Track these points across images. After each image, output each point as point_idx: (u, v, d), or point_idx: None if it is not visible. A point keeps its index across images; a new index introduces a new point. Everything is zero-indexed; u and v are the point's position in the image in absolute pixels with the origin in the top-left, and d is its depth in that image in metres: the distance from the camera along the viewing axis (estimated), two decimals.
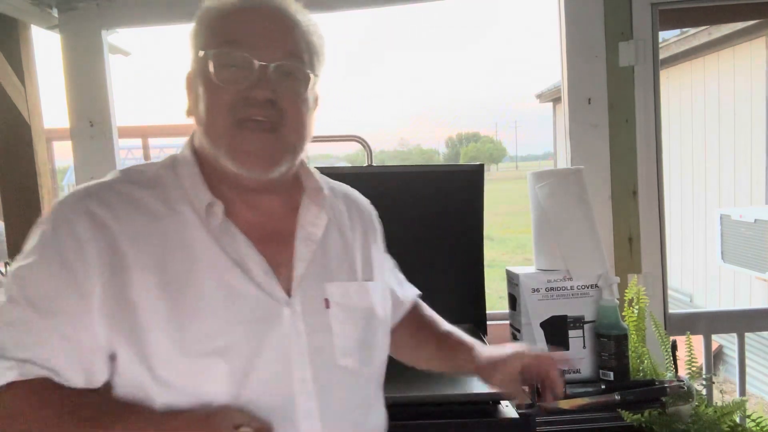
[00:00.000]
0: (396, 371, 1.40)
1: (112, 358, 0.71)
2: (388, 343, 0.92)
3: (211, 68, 0.74)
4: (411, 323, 1.08)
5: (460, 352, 0.99)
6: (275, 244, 0.81)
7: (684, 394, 1.24)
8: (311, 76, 0.79)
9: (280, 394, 0.74)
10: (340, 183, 0.99)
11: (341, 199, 0.94)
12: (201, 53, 0.76)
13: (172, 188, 0.78)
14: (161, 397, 0.70)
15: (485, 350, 0.96)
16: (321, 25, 0.84)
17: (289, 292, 0.78)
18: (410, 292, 1.11)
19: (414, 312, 1.11)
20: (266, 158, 0.76)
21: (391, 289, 1.01)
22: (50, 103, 1.96)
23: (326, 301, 0.81)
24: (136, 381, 0.70)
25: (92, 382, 0.71)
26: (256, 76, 0.74)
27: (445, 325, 1.07)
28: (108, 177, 0.80)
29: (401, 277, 1.12)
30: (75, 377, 0.69)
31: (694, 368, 1.30)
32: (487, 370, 0.93)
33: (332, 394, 0.78)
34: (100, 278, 0.70)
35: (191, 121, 0.81)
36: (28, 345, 0.68)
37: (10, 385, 0.67)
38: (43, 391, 0.68)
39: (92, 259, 0.70)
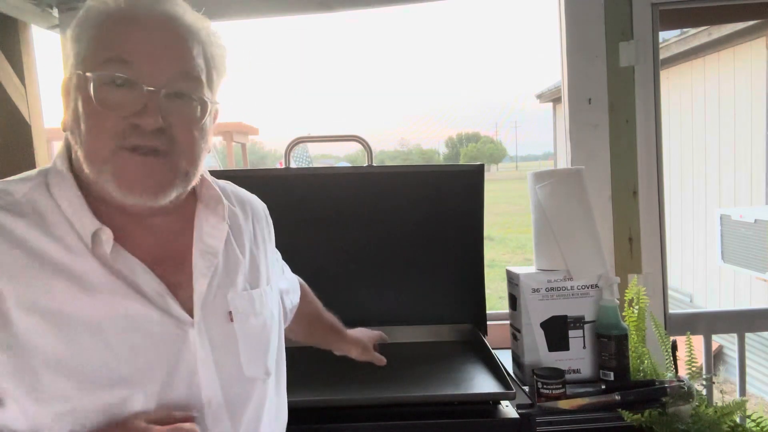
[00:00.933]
0: (396, 372, 1.40)
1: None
2: (284, 342, 0.93)
3: (92, 90, 0.66)
4: (306, 313, 1.18)
5: (335, 334, 1.24)
6: (173, 264, 0.76)
7: (684, 394, 1.24)
8: (208, 100, 0.72)
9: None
10: (228, 183, 0.93)
11: (235, 202, 0.89)
12: (80, 72, 0.68)
13: (49, 213, 0.69)
14: None
15: (348, 332, 1.27)
16: (221, 34, 0.77)
17: (191, 312, 0.74)
18: (296, 295, 1.12)
19: (305, 300, 1.17)
20: (153, 185, 0.69)
21: (284, 292, 1.03)
22: (50, 103, 1.96)
23: (230, 314, 0.78)
24: (32, 422, 0.65)
25: None
26: (144, 102, 0.67)
27: (327, 312, 1.24)
28: None
29: (285, 266, 1.12)
30: None
31: (694, 368, 1.30)
32: (353, 345, 1.25)
33: (243, 407, 0.77)
34: None
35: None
36: None
37: None
38: None
39: None
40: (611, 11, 1.67)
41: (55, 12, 1.75)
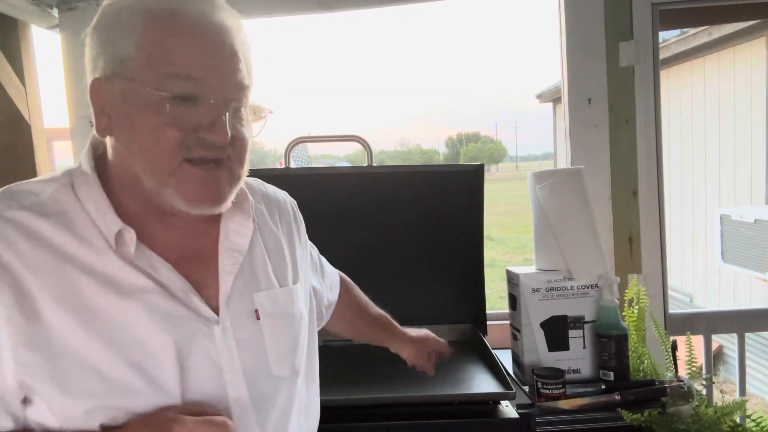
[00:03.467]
0: (396, 372, 1.40)
1: (26, 401, 0.66)
2: (316, 340, 0.93)
3: (155, 103, 0.66)
4: (347, 309, 1.15)
5: (384, 332, 1.19)
6: (198, 262, 0.76)
7: (684, 394, 1.24)
8: (250, 101, 0.74)
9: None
10: (255, 179, 0.93)
11: (261, 200, 0.89)
12: (148, 88, 0.67)
13: (74, 214, 0.70)
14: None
15: (403, 330, 1.20)
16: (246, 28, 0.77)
17: (217, 310, 0.74)
18: (334, 292, 1.11)
19: (346, 296, 1.14)
20: (216, 196, 0.72)
21: (318, 290, 1.02)
22: (50, 103, 1.96)
23: (256, 312, 0.78)
24: (63, 418, 0.66)
25: (21, 424, 0.67)
26: (213, 118, 0.68)
27: (375, 308, 1.20)
28: None
29: (324, 263, 1.10)
30: (3, 422, 0.66)
31: (694, 368, 1.30)
32: (405, 345, 1.19)
33: (270, 406, 0.77)
34: (8, 326, 0.64)
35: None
36: None
37: None
38: None
39: None
40: (611, 11, 1.67)
41: (55, 12, 1.75)
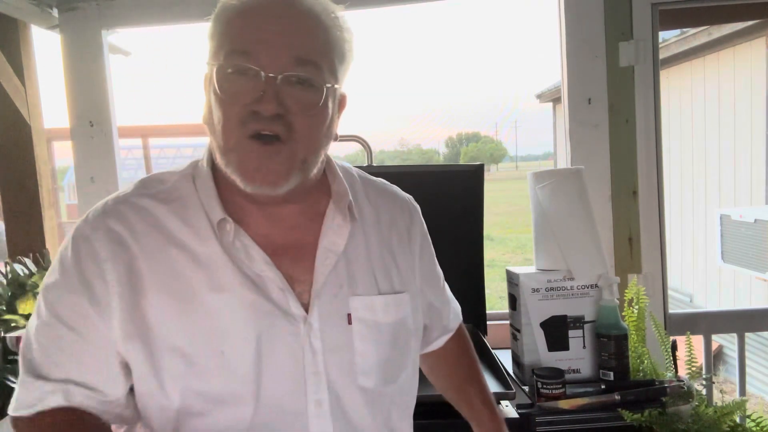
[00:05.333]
0: None
1: (127, 368, 0.71)
2: (417, 359, 0.87)
3: (216, 81, 0.70)
4: (451, 361, 1.03)
5: (488, 406, 0.98)
6: (294, 257, 0.76)
7: (684, 394, 1.24)
8: (325, 85, 0.71)
9: (293, 415, 0.72)
10: (380, 180, 0.92)
11: (373, 200, 0.87)
12: (211, 64, 0.71)
13: (189, 201, 0.76)
14: (177, 416, 0.71)
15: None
16: (347, 19, 0.76)
17: (307, 308, 0.74)
18: (455, 321, 1.03)
19: (461, 337, 1.04)
20: (272, 175, 0.71)
21: (436, 307, 0.96)
22: (50, 103, 1.96)
23: (349, 316, 0.76)
24: (150, 393, 0.71)
25: (125, 393, 0.72)
26: (262, 89, 0.68)
27: (475, 372, 1.03)
28: (127, 189, 0.78)
29: (447, 289, 1.03)
30: (113, 390, 0.70)
31: (694, 368, 1.30)
32: None
33: (349, 416, 0.75)
34: (119, 297, 0.69)
35: (200, 122, 0.76)
36: (63, 363, 0.69)
37: (50, 413, 0.67)
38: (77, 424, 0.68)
39: (110, 278, 0.69)
40: (611, 11, 1.67)
41: (55, 12, 1.75)
